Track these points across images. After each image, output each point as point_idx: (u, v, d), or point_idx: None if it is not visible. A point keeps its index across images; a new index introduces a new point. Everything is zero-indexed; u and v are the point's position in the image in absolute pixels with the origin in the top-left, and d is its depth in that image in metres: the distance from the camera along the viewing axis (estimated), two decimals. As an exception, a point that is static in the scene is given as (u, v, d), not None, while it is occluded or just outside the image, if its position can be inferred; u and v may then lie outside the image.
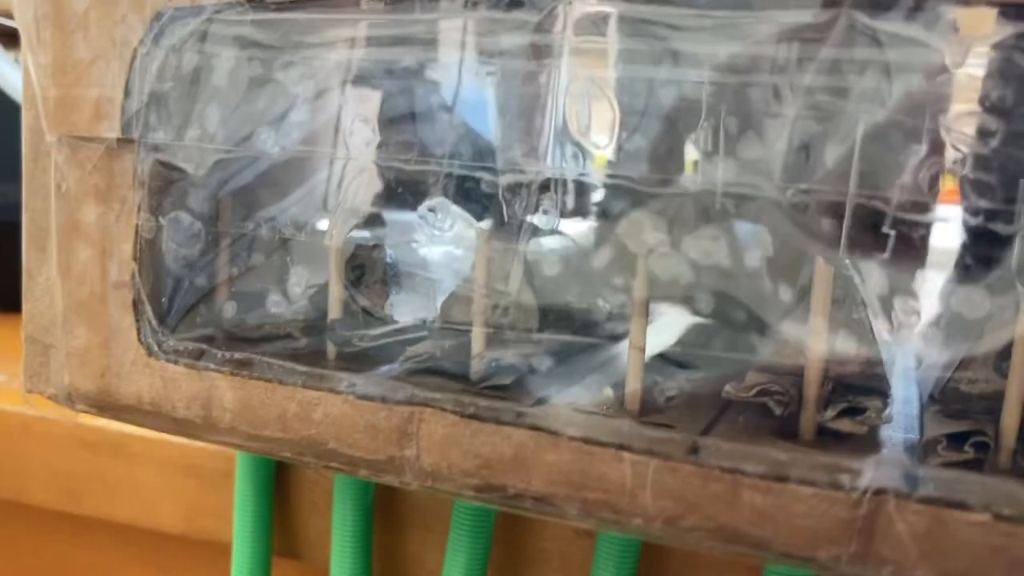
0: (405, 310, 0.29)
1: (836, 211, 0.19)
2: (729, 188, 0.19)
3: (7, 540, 0.38)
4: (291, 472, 0.31)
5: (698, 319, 0.23)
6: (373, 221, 0.29)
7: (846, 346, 0.21)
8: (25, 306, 0.26)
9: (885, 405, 0.21)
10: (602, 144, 0.20)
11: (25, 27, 0.24)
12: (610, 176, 0.20)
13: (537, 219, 0.21)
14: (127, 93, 0.23)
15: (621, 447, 0.20)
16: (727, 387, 0.21)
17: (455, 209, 0.23)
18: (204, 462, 0.33)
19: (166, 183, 0.24)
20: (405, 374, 0.25)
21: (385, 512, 0.30)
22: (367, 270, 0.28)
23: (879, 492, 0.19)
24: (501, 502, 0.22)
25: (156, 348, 0.24)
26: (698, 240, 0.20)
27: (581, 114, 0.20)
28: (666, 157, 0.20)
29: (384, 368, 0.26)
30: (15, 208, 0.46)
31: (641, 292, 0.21)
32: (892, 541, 0.19)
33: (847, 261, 0.19)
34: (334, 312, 0.27)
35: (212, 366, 0.23)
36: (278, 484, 0.32)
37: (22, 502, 0.35)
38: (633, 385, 0.22)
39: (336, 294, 0.26)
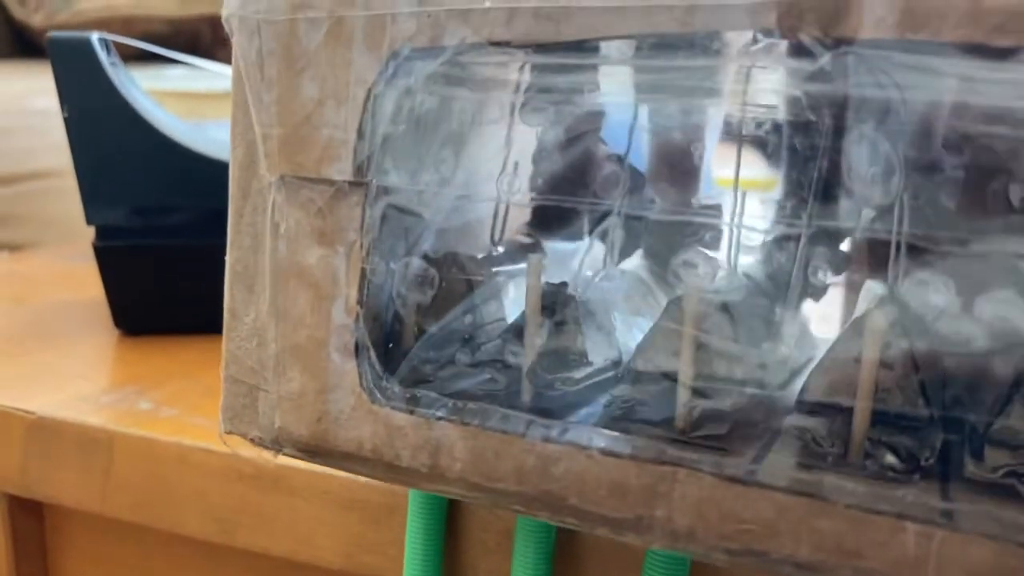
0: (594, 348, 0.28)
1: None
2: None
3: (161, 571, 0.38)
4: (463, 511, 0.31)
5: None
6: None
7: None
8: (227, 346, 0.26)
9: None
10: (881, 199, 0.20)
11: (247, 64, 0.23)
12: (902, 234, 0.19)
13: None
14: (360, 135, 0.22)
15: (901, 516, 0.19)
16: (969, 467, 0.21)
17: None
18: (368, 496, 0.32)
19: (398, 227, 0.23)
20: (608, 419, 0.24)
21: (566, 559, 0.30)
22: (558, 309, 0.27)
23: None
24: (758, 565, 0.21)
25: (380, 395, 0.23)
26: (992, 303, 0.19)
27: (858, 165, 0.20)
28: (956, 215, 0.19)
29: (583, 411, 0.25)
30: (172, 231, 0.46)
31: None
32: None
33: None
34: (531, 355, 0.26)
35: (442, 414, 0.23)
36: (449, 522, 0.31)
37: (176, 532, 0.35)
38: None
39: (533, 337, 0.26)
